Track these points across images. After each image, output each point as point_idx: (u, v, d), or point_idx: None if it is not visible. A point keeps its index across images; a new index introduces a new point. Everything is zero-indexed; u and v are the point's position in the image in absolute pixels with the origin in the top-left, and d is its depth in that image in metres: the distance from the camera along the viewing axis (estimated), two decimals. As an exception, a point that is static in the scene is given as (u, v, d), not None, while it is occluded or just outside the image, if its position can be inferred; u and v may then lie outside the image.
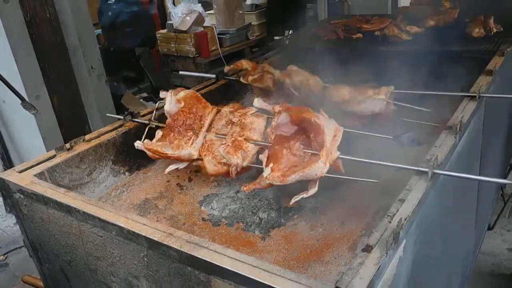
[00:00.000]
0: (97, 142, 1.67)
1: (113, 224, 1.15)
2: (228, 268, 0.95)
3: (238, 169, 1.47)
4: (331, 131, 1.32)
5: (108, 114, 1.86)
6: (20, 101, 2.60)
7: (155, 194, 1.74)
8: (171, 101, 1.62)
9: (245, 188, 1.40)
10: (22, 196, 1.42)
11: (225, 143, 1.51)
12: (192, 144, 1.54)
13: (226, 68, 2.12)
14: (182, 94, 1.63)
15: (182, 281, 1.07)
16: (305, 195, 1.33)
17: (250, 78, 2.01)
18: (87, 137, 1.68)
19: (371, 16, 2.81)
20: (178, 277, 1.07)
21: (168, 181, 1.84)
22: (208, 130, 1.58)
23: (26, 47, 2.91)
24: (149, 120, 1.79)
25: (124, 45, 4.74)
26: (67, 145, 1.60)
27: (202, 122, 1.59)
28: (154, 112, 1.85)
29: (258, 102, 1.55)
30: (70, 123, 3.30)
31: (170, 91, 1.63)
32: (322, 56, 2.29)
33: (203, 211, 1.64)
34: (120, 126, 1.81)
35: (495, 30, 2.26)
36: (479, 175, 1.86)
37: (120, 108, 4.33)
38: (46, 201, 1.32)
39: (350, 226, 1.41)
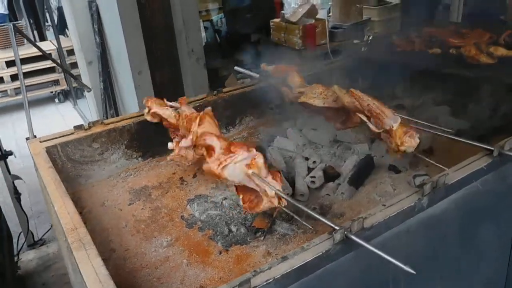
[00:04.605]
0: (112, 126, 1.86)
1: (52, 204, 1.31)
2: (83, 276, 1.00)
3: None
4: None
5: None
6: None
7: (155, 183, 1.86)
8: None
9: None
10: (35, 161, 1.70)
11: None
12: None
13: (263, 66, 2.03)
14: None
15: (75, 273, 1.16)
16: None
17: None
18: (106, 121, 1.89)
19: (473, 28, 2.34)
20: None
21: (174, 173, 1.93)
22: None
23: (135, 27, 3.31)
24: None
25: (242, 30, 4.95)
26: (86, 126, 1.82)
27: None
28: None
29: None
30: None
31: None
32: (369, 70, 2.05)
33: (187, 209, 1.69)
34: (142, 114, 1.96)
35: None
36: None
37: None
38: (36, 169, 1.56)
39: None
